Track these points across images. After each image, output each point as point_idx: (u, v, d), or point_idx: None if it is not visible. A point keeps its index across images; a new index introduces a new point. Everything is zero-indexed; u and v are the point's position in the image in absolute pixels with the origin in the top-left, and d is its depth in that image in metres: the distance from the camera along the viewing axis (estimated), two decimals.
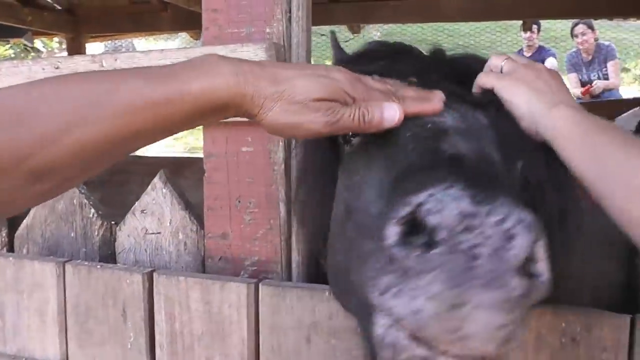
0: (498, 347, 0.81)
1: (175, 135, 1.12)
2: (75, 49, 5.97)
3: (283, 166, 1.54)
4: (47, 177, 0.93)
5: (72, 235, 1.85)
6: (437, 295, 0.78)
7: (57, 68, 1.72)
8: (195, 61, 1.05)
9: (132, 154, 1.16)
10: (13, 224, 1.92)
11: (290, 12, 1.53)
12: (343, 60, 1.42)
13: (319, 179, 1.35)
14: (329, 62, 1.50)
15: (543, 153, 1.16)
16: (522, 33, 9.24)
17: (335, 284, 1.23)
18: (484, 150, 1.07)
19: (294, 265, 1.56)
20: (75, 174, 0.98)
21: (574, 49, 9.28)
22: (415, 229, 0.82)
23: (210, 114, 1.03)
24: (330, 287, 1.33)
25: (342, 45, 1.52)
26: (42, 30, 6.02)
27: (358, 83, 1.11)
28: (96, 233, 1.82)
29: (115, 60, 1.66)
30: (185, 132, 1.14)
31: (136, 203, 1.74)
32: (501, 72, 1.26)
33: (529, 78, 1.21)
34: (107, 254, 1.81)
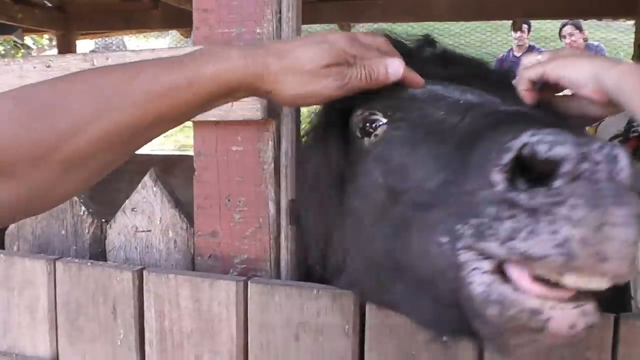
0: (629, 268, 0.82)
1: (165, 133, 1.16)
2: (66, 46, 5.95)
3: (273, 165, 1.55)
4: (79, 167, 0.98)
5: (63, 232, 1.85)
6: (582, 220, 0.79)
7: (48, 67, 1.73)
8: (204, 50, 1.13)
9: None
10: None
11: (280, 12, 1.54)
12: None
13: (328, 181, 1.37)
14: None
15: None
16: (513, 33, 9.29)
17: (369, 278, 1.24)
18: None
19: (282, 263, 1.57)
20: (105, 163, 1.02)
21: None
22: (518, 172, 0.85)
23: (223, 95, 1.10)
24: (352, 287, 1.35)
25: None
26: (32, 27, 6.00)
27: (354, 41, 1.19)
28: (87, 231, 1.83)
29: (107, 59, 1.67)
30: (175, 130, 1.18)
31: (126, 201, 1.75)
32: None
33: (577, 53, 1.25)
34: (98, 252, 1.82)
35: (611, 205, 0.79)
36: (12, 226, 1.89)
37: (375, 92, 1.25)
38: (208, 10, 1.61)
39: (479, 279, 0.86)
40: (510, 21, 7.84)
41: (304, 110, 1.58)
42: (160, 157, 4.81)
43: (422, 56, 1.42)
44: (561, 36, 9.23)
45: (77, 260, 1.69)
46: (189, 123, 1.34)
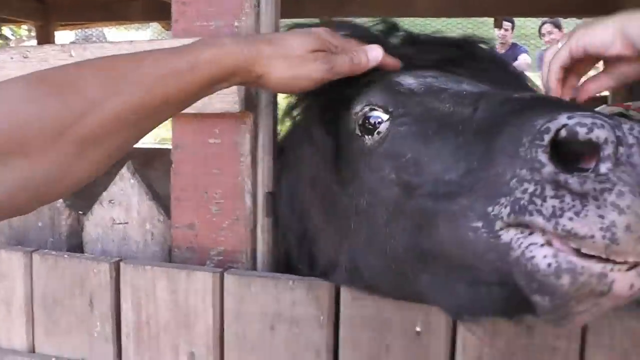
0: None
1: None
2: (45, 37, 5.88)
3: (250, 158, 1.56)
4: (92, 148, 1.02)
5: (40, 225, 1.85)
6: (628, 208, 0.82)
7: (25, 57, 1.72)
8: (201, 40, 1.22)
9: None
10: None
11: (259, 6, 1.55)
12: None
13: (324, 182, 1.38)
14: None
15: None
16: (496, 30, 9.35)
17: (385, 273, 1.24)
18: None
19: (259, 255, 1.58)
20: (117, 144, 1.07)
21: (545, 47, 9.43)
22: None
23: (222, 79, 1.17)
24: (355, 283, 1.36)
25: None
26: (10, 18, 5.92)
27: (335, 34, 1.32)
28: (64, 223, 1.83)
29: (85, 50, 1.67)
30: None
31: (104, 193, 1.75)
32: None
33: (594, 20, 1.25)
34: (75, 244, 1.82)
35: None
36: None
37: (369, 87, 1.30)
38: (187, 3, 1.61)
39: (541, 252, 0.88)
40: (492, 18, 7.87)
41: (281, 103, 1.60)
42: (141, 150, 4.77)
43: (391, 42, 1.44)
44: (541, 34, 9.32)
45: (54, 253, 1.69)
46: None
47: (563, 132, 0.85)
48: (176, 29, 1.64)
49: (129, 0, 5.47)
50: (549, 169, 0.86)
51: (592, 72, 1.37)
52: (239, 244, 1.58)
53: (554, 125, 0.86)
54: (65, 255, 1.67)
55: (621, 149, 0.82)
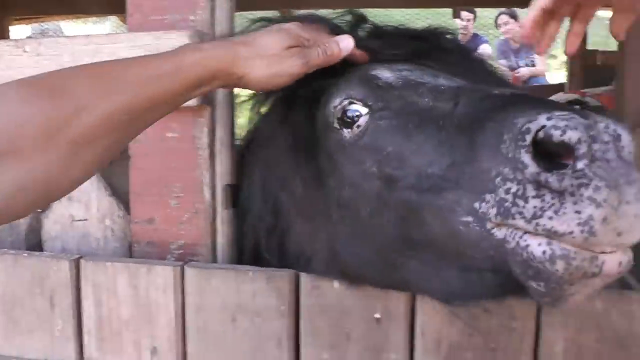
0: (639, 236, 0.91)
1: None
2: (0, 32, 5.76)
3: (208, 151, 1.56)
4: (87, 148, 1.05)
5: None
6: (605, 201, 0.86)
7: None
8: (183, 45, 1.30)
9: None
10: None
11: (214, 0, 1.55)
12: None
13: (301, 172, 1.40)
14: None
15: None
16: (459, 21, 9.42)
17: (370, 262, 1.27)
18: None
19: (219, 247, 1.59)
20: (110, 144, 1.10)
21: (504, 37, 9.54)
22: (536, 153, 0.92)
23: (205, 81, 1.22)
24: (332, 273, 1.38)
25: None
26: None
27: (305, 27, 1.36)
28: (22, 221, 1.81)
29: (39, 45, 1.65)
30: None
31: None
32: None
33: None
34: (34, 243, 1.80)
35: (624, 184, 0.87)
36: None
37: (347, 80, 1.33)
38: None
39: (535, 241, 0.93)
40: (451, 9, 7.95)
41: (239, 97, 1.60)
42: None
43: (359, 34, 1.47)
44: (497, 25, 9.42)
45: (12, 252, 1.67)
46: None
47: (540, 134, 0.90)
48: (132, 22, 1.63)
49: None
50: (531, 169, 0.91)
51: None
52: (199, 237, 1.58)
53: (534, 126, 0.91)
54: (25, 254, 1.65)
55: (595, 146, 0.87)
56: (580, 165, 0.87)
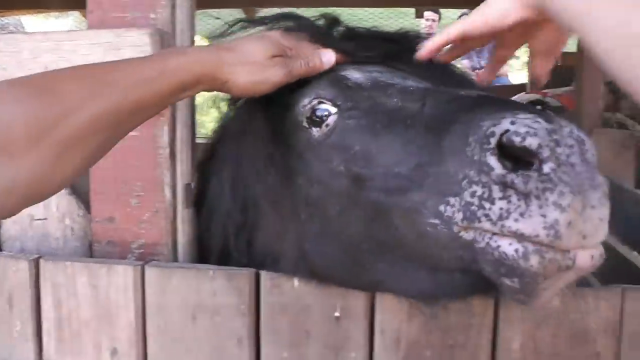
0: (603, 237, 0.94)
1: None
2: None
3: (168, 150, 1.55)
4: (73, 149, 1.06)
5: None
6: (569, 206, 0.88)
7: None
8: (167, 49, 1.36)
9: None
10: None
11: None
12: None
13: (271, 173, 1.40)
14: None
15: None
16: (424, 21, 9.47)
17: (339, 262, 1.27)
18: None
19: (179, 246, 1.59)
20: (97, 146, 1.11)
21: None
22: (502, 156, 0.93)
23: (190, 86, 1.23)
24: (300, 272, 1.38)
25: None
26: None
27: (287, 36, 1.40)
28: None
29: None
30: None
31: None
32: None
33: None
34: None
35: (589, 189, 0.90)
36: None
37: (316, 80, 1.35)
38: None
39: (506, 241, 0.94)
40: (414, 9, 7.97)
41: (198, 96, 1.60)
42: None
43: (333, 35, 1.49)
44: None
45: None
46: None
47: (504, 139, 0.92)
48: (92, 19, 1.62)
49: None
50: (497, 171, 0.93)
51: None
52: (160, 236, 1.57)
53: (498, 130, 0.93)
54: None
55: (559, 150, 0.89)
56: (545, 169, 0.89)
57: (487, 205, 0.94)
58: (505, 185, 0.92)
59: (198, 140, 1.65)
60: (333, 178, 1.23)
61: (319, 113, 1.29)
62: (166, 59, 1.22)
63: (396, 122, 1.17)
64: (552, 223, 0.89)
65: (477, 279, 1.04)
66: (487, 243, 0.96)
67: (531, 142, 0.89)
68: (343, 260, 1.26)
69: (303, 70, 1.35)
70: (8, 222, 1.74)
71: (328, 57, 1.38)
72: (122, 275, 1.49)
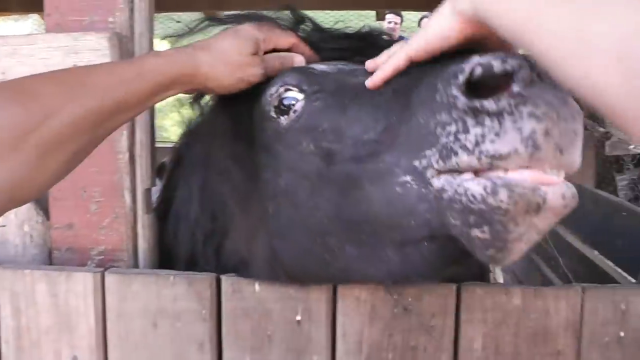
0: (579, 158, 0.93)
1: None
2: None
3: (127, 155, 1.54)
4: (54, 151, 1.06)
5: None
6: (544, 115, 0.87)
7: None
8: (150, 52, 1.39)
9: None
10: None
11: (132, 1, 1.53)
12: None
13: (241, 173, 1.38)
14: None
15: None
16: (386, 24, 9.52)
17: (309, 255, 1.25)
18: None
19: (140, 252, 1.57)
20: (77, 148, 1.11)
21: None
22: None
23: (168, 86, 1.24)
24: (274, 274, 1.36)
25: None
26: None
27: (259, 27, 1.40)
28: None
29: None
30: None
31: None
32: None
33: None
34: None
35: (561, 104, 0.89)
36: None
37: (282, 72, 1.35)
38: None
39: (474, 182, 0.91)
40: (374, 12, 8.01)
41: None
42: None
43: (301, 33, 1.49)
44: (420, 27, 9.55)
45: None
46: None
47: (478, 70, 0.89)
48: (49, 23, 1.60)
49: None
50: (463, 99, 0.91)
51: None
52: (120, 242, 1.55)
53: (467, 66, 0.91)
54: None
55: (532, 75, 0.89)
56: (516, 88, 0.87)
57: (462, 137, 0.91)
58: (476, 111, 0.90)
59: (159, 145, 1.64)
60: (302, 161, 1.22)
61: (286, 102, 1.28)
62: (144, 61, 1.24)
63: (364, 93, 1.16)
64: (529, 134, 0.87)
65: (446, 248, 1.03)
66: (455, 190, 0.93)
67: (513, 64, 0.87)
68: (312, 250, 1.24)
69: (277, 70, 1.37)
70: None
71: (300, 59, 1.42)
72: (82, 282, 1.47)
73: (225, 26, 1.44)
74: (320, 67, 1.35)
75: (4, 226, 1.68)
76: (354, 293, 1.37)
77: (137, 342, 1.45)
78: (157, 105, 1.57)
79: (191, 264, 1.54)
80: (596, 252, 2.40)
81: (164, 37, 1.62)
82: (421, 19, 9.54)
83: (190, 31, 1.52)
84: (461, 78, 0.91)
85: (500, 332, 1.37)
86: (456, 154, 0.92)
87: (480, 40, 1.11)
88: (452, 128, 0.93)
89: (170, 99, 1.55)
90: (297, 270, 1.33)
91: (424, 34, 1.13)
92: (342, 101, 1.19)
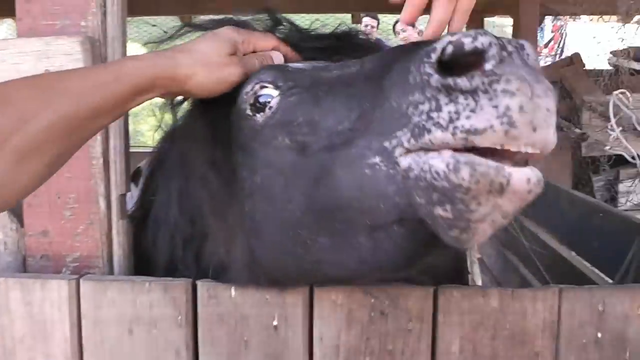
0: (553, 137, 0.92)
1: None
2: None
3: (102, 160, 1.53)
4: (31, 157, 1.07)
5: None
6: (518, 91, 0.87)
7: None
8: (128, 55, 1.35)
9: None
10: None
11: (105, 6, 1.52)
12: None
13: (221, 176, 1.37)
14: None
15: None
16: (362, 26, 9.54)
17: (285, 251, 1.24)
18: None
19: (115, 259, 1.56)
20: (54, 154, 1.11)
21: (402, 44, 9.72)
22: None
23: (146, 89, 1.23)
24: (253, 277, 1.35)
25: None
26: None
27: (239, 30, 1.40)
28: None
29: None
30: None
31: None
32: None
33: None
34: None
35: (533, 81, 0.89)
36: None
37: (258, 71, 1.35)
38: (31, 1, 1.56)
39: (438, 159, 0.90)
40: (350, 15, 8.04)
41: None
42: None
43: (280, 34, 1.50)
44: (395, 32, 9.59)
45: None
46: None
47: (449, 48, 0.89)
48: (21, 27, 1.58)
49: None
50: (436, 77, 0.90)
51: None
52: (95, 248, 1.54)
53: (439, 45, 0.91)
54: None
55: (503, 53, 0.89)
56: (488, 66, 0.87)
57: (435, 114, 0.91)
58: (449, 89, 0.90)
59: (137, 149, 1.63)
60: (277, 155, 1.22)
61: (262, 100, 1.28)
62: (121, 64, 1.24)
63: (337, 85, 1.17)
64: (504, 110, 0.86)
65: (415, 230, 1.02)
66: (421, 168, 0.92)
67: (483, 41, 0.87)
68: (285, 245, 1.23)
69: (256, 69, 1.36)
70: None
71: (279, 58, 1.42)
72: (57, 289, 1.45)
73: (204, 32, 1.44)
74: (295, 65, 1.36)
75: None
76: (331, 297, 1.37)
77: (113, 350, 1.43)
78: (134, 110, 1.55)
79: (170, 270, 1.53)
80: (573, 253, 2.42)
81: (144, 44, 1.61)
82: (395, 23, 9.57)
83: (170, 37, 1.52)
84: (433, 56, 0.91)
85: (478, 334, 1.38)
86: (429, 131, 0.92)
87: None
88: (425, 107, 0.93)
89: (147, 103, 1.55)
90: (274, 270, 1.32)
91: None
92: (316, 94, 1.20)
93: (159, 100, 1.52)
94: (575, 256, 2.37)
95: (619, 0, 5.00)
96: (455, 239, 0.95)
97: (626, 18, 5.67)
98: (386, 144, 0.99)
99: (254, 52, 1.41)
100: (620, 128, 4.86)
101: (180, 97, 1.50)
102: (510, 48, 0.90)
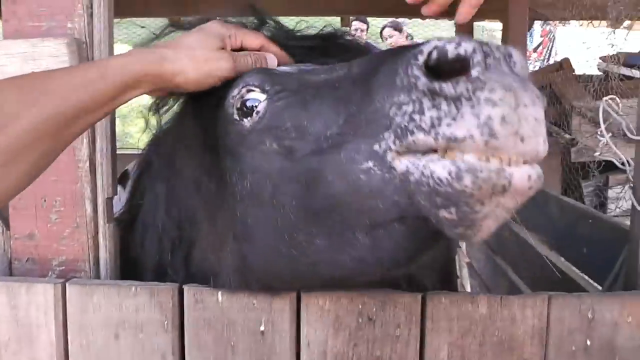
0: (544, 146, 0.91)
1: None
2: None
3: (88, 163, 1.51)
4: (16, 158, 1.06)
5: None
6: (501, 100, 0.86)
7: None
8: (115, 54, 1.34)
9: None
10: None
11: (91, 7, 1.51)
12: None
13: (211, 180, 1.36)
14: None
15: None
16: (352, 30, 9.56)
17: (279, 254, 1.22)
18: None
19: (102, 262, 1.54)
20: (39, 155, 1.11)
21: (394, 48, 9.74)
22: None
23: (133, 85, 1.22)
24: (246, 280, 1.33)
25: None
26: None
27: (227, 25, 1.41)
28: None
29: None
30: None
31: None
32: None
33: None
34: None
35: (520, 89, 0.88)
36: None
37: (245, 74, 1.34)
38: (17, 2, 1.55)
39: (439, 165, 0.90)
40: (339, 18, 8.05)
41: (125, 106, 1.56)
42: None
43: (267, 33, 1.49)
44: (382, 37, 9.62)
45: None
46: None
47: (434, 54, 0.89)
48: (7, 29, 1.57)
49: None
50: (423, 80, 0.90)
51: None
52: (81, 252, 1.53)
53: (426, 48, 0.90)
54: None
55: (489, 60, 0.88)
56: (474, 72, 0.87)
57: (417, 117, 0.91)
58: (433, 94, 0.89)
59: (126, 152, 1.62)
60: (266, 160, 1.21)
61: (249, 104, 1.27)
62: (107, 62, 1.23)
63: (325, 88, 1.17)
64: (485, 120, 0.85)
65: (415, 229, 1.02)
66: (422, 172, 0.92)
67: (466, 48, 0.87)
68: (280, 249, 1.21)
69: (249, 68, 1.35)
70: None
71: (272, 60, 1.40)
72: (42, 293, 1.44)
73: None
74: (283, 68, 1.36)
75: None
76: (318, 302, 1.36)
77: (99, 354, 1.42)
78: (122, 111, 1.55)
79: (160, 274, 1.52)
80: (562, 259, 2.42)
81: (133, 45, 1.60)
82: (383, 28, 9.58)
83: (156, 37, 1.50)
84: (421, 59, 0.91)
85: (466, 341, 1.37)
86: (412, 132, 0.92)
87: None
88: (408, 108, 0.93)
89: (135, 105, 1.54)
90: (267, 274, 1.31)
91: None
92: (304, 98, 1.19)
93: (148, 102, 1.51)
94: (565, 262, 2.37)
95: (609, 6, 5.03)
96: (460, 235, 0.96)
97: (616, 24, 5.70)
98: (375, 147, 0.98)
99: (242, 48, 1.39)
100: (610, 134, 4.88)
101: (167, 99, 1.48)
102: (497, 55, 0.89)
